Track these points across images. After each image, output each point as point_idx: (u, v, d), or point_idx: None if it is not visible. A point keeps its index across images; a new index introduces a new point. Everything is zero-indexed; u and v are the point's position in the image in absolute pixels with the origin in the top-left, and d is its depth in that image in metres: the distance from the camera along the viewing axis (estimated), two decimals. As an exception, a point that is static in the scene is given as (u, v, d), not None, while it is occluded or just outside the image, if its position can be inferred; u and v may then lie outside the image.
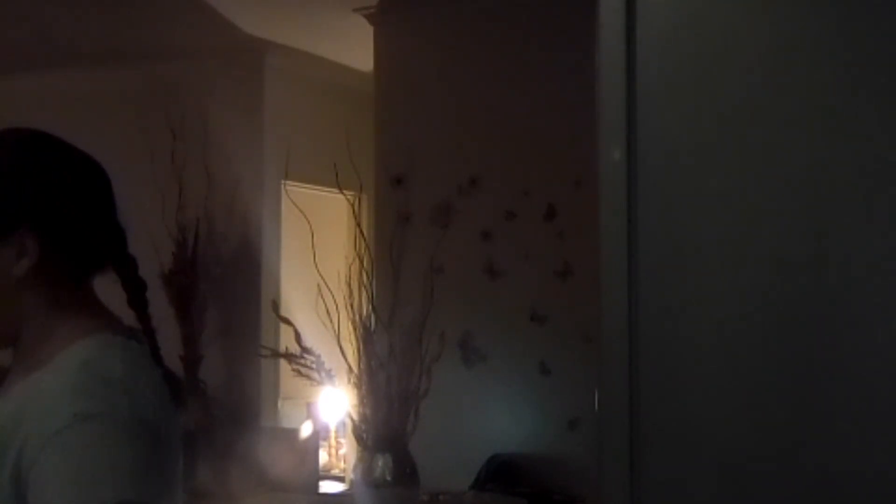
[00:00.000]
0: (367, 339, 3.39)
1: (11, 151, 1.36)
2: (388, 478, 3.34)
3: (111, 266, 1.40)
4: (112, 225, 1.41)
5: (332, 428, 6.27)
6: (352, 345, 3.44)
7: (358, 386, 3.40)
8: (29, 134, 1.39)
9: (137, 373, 1.29)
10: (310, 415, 5.56)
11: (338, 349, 3.40)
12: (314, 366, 3.37)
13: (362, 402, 3.40)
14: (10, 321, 1.33)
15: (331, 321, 3.39)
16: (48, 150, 1.38)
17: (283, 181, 5.29)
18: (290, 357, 3.43)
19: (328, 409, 5.72)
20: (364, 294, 3.47)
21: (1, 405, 1.29)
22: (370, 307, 3.47)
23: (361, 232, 3.81)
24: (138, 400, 1.25)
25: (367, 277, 3.51)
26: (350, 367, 3.41)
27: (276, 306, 4.23)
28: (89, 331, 1.32)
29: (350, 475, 5.02)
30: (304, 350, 3.37)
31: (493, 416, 4.69)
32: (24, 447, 1.20)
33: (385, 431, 3.37)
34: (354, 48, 5.39)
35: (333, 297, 3.42)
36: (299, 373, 3.42)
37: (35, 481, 1.18)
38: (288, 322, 3.51)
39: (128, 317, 1.39)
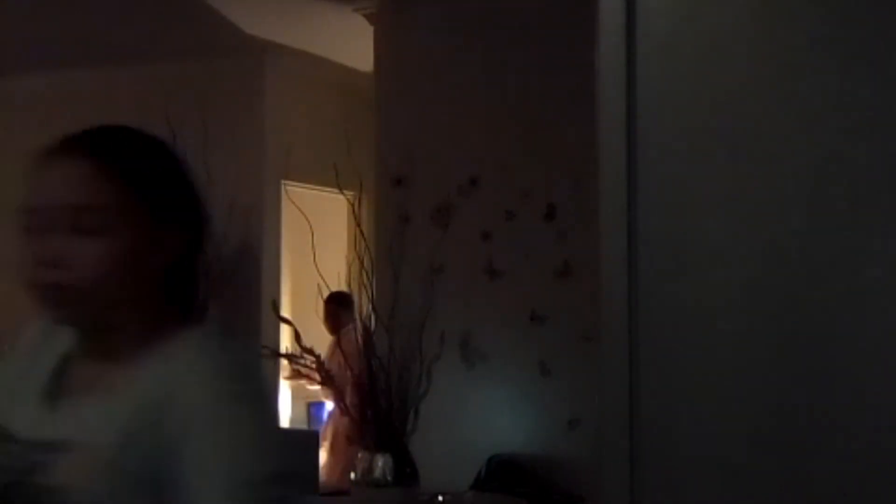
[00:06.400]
0: (367, 339, 3.39)
1: (167, 154, 1.38)
2: (388, 478, 3.34)
3: None
4: None
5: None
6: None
7: (358, 386, 3.40)
8: (158, 137, 1.41)
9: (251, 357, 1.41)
10: (310, 415, 5.56)
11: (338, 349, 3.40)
12: (314, 366, 3.37)
13: (362, 402, 3.40)
14: (123, 310, 1.32)
15: (331, 321, 3.39)
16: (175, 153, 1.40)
17: (283, 181, 5.29)
18: (290, 357, 3.42)
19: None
20: (364, 294, 3.47)
21: (123, 391, 1.28)
22: (370, 307, 3.47)
23: (361, 232, 3.81)
24: (266, 380, 1.40)
25: (367, 277, 3.51)
26: (350, 367, 3.41)
27: (276, 306, 4.23)
28: (194, 322, 1.38)
29: (350, 475, 5.01)
30: (304, 350, 3.37)
31: (493, 416, 4.68)
32: (169, 427, 1.22)
33: (385, 431, 3.36)
34: (354, 48, 5.39)
35: (333, 297, 3.42)
36: (299, 373, 3.41)
37: (190, 458, 1.21)
38: (288, 322, 3.51)
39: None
